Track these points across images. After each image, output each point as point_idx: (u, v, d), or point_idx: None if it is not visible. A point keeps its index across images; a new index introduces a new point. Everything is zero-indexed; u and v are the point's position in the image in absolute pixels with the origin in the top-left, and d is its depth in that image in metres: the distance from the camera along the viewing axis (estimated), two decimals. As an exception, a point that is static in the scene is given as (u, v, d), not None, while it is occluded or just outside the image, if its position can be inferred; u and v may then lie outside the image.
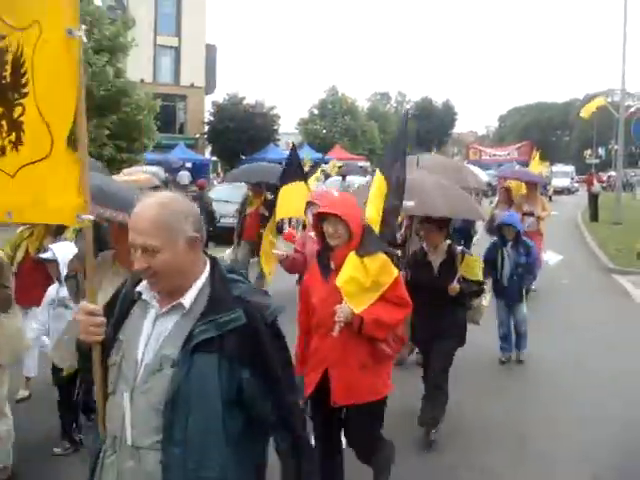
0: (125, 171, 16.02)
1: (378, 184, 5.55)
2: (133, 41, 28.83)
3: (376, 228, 5.17)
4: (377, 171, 5.76)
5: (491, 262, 8.66)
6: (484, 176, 15.33)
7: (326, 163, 45.01)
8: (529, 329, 9.32)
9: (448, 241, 6.53)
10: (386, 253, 4.67)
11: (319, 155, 45.84)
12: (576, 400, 7.44)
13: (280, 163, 48.68)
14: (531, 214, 13.15)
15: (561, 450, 6.11)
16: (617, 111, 30.05)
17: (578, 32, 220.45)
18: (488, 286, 7.64)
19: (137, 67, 33.33)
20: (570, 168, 63.73)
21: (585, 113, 34.80)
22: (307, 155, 29.14)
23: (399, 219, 8.45)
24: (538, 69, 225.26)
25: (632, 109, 32.58)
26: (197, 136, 51.13)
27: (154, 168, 19.61)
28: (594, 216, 29.56)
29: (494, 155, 56.51)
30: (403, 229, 8.83)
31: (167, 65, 52.11)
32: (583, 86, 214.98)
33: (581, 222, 29.27)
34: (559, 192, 49.07)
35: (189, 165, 39.57)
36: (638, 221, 19.07)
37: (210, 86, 54.27)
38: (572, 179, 59.88)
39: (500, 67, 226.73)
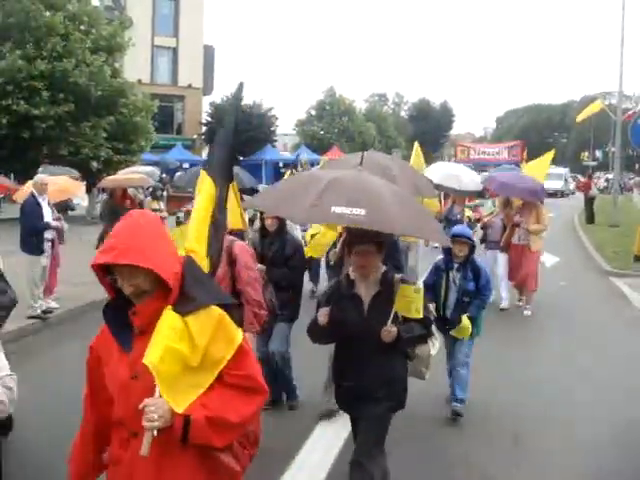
0: (121, 172, 16.08)
1: (205, 193, 3.47)
2: (130, 41, 28.83)
3: (204, 264, 3.20)
4: (202, 172, 3.65)
5: (432, 288, 7.02)
6: (477, 179, 14.20)
7: (313, 165, 45.03)
8: (527, 331, 9.34)
9: (384, 267, 4.75)
10: (224, 306, 3.01)
11: (317, 157, 45.88)
12: (571, 401, 7.42)
13: (277, 164, 48.68)
14: (519, 225, 11.92)
15: (555, 450, 6.09)
16: (614, 113, 30.09)
17: (576, 34, 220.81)
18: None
19: (135, 68, 33.37)
20: (563, 170, 60.98)
21: (580, 118, 34.93)
22: (304, 156, 29.09)
23: (337, 233, 7.52)
24: (535, 70, 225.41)
25: (630, 112, 32.65)
26: (194, 137, 51.13)
27: (148, 168, 19.55)
28: (590, 219, 29.59)
29: (483, 152, 53.78)
30: (339, 246, 7.27)
31: (165, 66, 52.12)
32: (580, 88, 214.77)
33: (578, 224, 29.29)
34: (552, 195, 47.39)
35: (186, 166, 39.55)
36: (635, 224, 19.06)
37: (208, 87, 54.31)
38: (566, 181, 58.31)
39: (497, 69, 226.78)
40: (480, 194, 14.09)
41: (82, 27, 26.83)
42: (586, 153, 74.52)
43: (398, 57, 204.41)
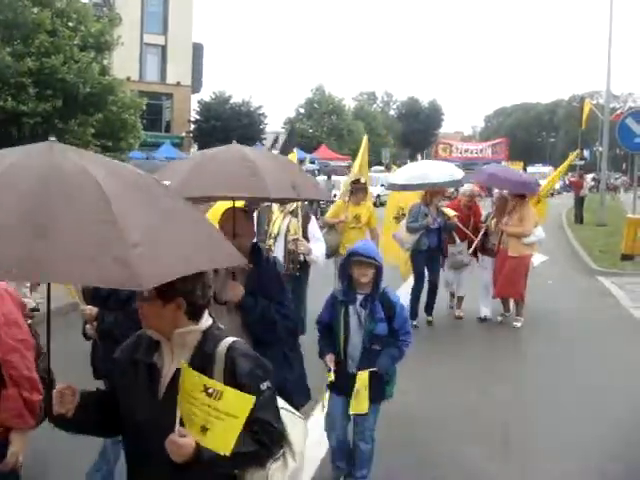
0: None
1: None
2: (119, 39, 28.71)
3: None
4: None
5: (327, 329, 5.23)
6: (452, 171, 11.40)
7: (312, 163, 45.12)
8: (513, 330, 9.38)
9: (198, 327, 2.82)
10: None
11: (311, 156, 45.90)
12: (558, 400, 7.46)
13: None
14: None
15: (543, 450, 6.12)
16: (602, 113, 30.22)
17: (564, 33, 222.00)
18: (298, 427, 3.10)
19: (123, 65, 33.25)
20: (548, 169, 59.14)
21: (584, 124, 35.14)
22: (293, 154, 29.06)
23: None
24: (524, 70, 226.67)
25: (617, 111, 32.80)
26: (183, 135, 51.01)
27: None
28: (579, 218, 29.66)
29: (466, 151, 49.22)
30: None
31: (153, 63, 51.91)
32: (569, 87, 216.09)
33: (566, 224, 29.40)
34: None
35: (175, 164, 39.40)
36: (622, 223, 19.16)
37: (196, 85, 54.16)
38: None
39: (486, 67, 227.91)
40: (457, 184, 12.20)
41: (70, 24, 26.67)
42: (574, 152, 74.84)
43: (387, 55, 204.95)
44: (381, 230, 11.29)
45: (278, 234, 7.72)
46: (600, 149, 45.29)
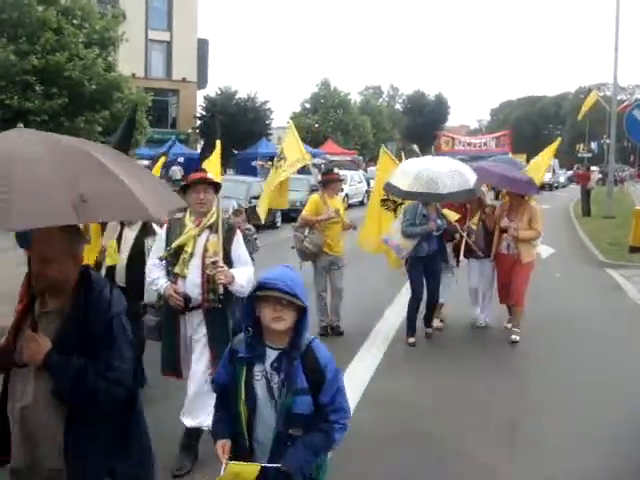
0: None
1: None
2: (123, 35, 28.75)
3: None
4: None
5: (226, 394, 3.53)
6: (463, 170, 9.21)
7: (315, 157, 45.08)
8: (521, 321, 9.36)
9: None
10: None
11: (317, 150, 45.90)
12: (566, 390, 7.44)
13: (272, 158, 48.47)
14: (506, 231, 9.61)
15: (550, 438, 6.11)
16: (609, 105, 30.09)
17: (570, 25, 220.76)
18: None
19: (129, 62, 33.28)
20: (551, 161, 59.21)
21: (581, 114, 34.91)
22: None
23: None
24: (530, 62, 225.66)
25: (624, 103, 32.64)
26: (189, 131, 51.03)
27: (144, 162, 19.41)
28: (587, 211, 29.57)
29: (469, 144, 47.08)
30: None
31: (159, 60, 51.97)
32: (575, 79, 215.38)
33: (573, 216, 29.32)
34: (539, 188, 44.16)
35: (181, 160, 39.47)
36: (630, 215, 19.09)
37: (202, 80, 54.20)
38: (554, 173, 54.96)
39: (492, 60, 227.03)
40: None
41: (75, 21, 26.77)
42: (581, 145, 74.50)
43: (393, 49, 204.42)
44: (363, 215, 10.85)
45: (192, 255, 5.46)
46: (607, 141, 45.16)
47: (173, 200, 3.38)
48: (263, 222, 11.27)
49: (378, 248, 10.23)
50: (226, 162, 45.78)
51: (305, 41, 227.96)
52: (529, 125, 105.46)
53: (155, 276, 5.57)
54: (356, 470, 5.48)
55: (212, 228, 5.54)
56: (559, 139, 12.06)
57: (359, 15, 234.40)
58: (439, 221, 9.01)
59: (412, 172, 8.91)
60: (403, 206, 9.71)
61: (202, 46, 53.42)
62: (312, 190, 12.11)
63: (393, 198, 9.99)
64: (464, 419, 6.66)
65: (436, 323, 9.95)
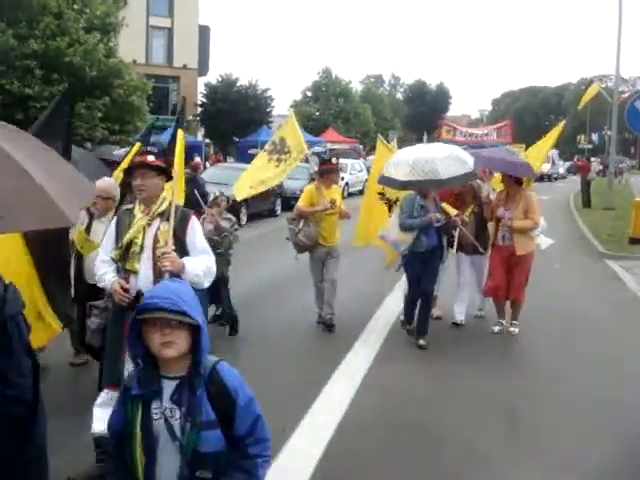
0: (114, 153, 15.91)
1: None
2: (124, 20, 28.65)
3: None
4: None
5: (121, 446, 2.94)
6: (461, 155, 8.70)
7: (315, 145, 44.99)
8: (520, 312, 9.37)
9: None
10: None
11: (318, 139, 45.81)
12: (564, 380, 7.44)
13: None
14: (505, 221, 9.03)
15: (548, 427, 6.13)
16: (611, 96, 30.02)
17: (573, 15, 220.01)
18: None
19: (129, 48, 33.15)
20: (551, 152, 57.86)
21: (581, 105, 34.76)
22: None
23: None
24: (532, 52, 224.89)
25: (626, 94, 32.57)
26: (190, 118, 50.92)
27: (148, 148, 19.26)
28: (587, 202, 29.56)
29: (470, 135, 43.62)
30: None
31: (160, 46, 51.79)
32: (577, 70, 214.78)
33: (573, 207, 29.32)
34: (538, 179, 42.75)
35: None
36: (630, 207, 19.13)
37: (203, 67, 54.04)
38: (553, 163, 54.45)
39: (494, 50, 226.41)
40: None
41: (75, 6, 26.67)
42: (582, 136, 74.37)
43: (394, 38, 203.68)
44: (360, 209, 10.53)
45: (142, 248, 4.92)
46: (609, 133, 45.05)
47: (86, 193, 3.19)
48: (239, 200, 11.13)
49: (367, 240, 10.10)
50: (226, 149, 45.76)
51: (307, 29, 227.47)
52: (530, 115, 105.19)
53: (102, 272, 5.06)
54: (354, 457, 5.51)
55: (163, 216, 5.01)
56: (563, 122, 11.46)
57: (361, 3, 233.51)
58: (438, 215, 8.35)
59: (407, 161, 8.37)
60: (398, 203, 9.15)
61: (203, 33, 53.25)
62: (312, 179, 11.76)
63: (388, 195, 9.73)
64: (464, 407, 6.67)
65: (436, 312, 9.69)
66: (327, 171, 9.32)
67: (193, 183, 17.30)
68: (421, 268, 8.55)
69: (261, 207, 23.02)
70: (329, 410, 6.43)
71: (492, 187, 9.80)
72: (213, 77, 58.10)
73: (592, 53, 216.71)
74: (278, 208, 24.44)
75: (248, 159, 37.30)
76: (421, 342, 8.52)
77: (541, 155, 11.01)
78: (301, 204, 9.22)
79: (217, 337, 8.25)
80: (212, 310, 9.11)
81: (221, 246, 8.35)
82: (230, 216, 8.90)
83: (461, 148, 10.01)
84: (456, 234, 9.04)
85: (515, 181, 9.18)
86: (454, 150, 8.82)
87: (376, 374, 7.45)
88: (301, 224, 9.05)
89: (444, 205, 8.55)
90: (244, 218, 20.98)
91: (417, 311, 8.80)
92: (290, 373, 7.51)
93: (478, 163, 8.84)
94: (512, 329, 9.28)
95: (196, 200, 16.84)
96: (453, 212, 8.51)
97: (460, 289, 9.78)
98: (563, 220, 24.88)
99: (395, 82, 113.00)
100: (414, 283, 8.71)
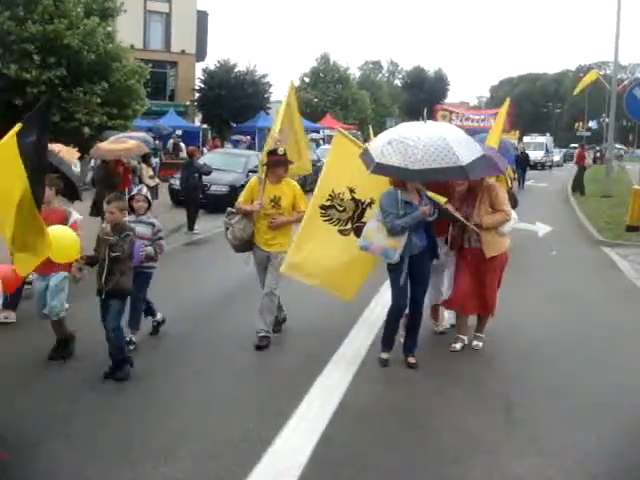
0: (112, 138, 15.85)
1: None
2: (122, 5, 28.49)
3: None
4: None
5: None
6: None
7: (316, 132, 44.90)
8: (514, 299, 9.38)
9: None
10: None
11: (316, 125, 45.73)
12: (561, 369, 7.48)
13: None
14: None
15: (546, 418, 6.16)
16: (609, 84, 29.98)
17: (572, 2, 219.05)
18: None
19: (127, 33, 32.95)
20: (544, 139, 56.21)
21: (577, 90, 34.66)
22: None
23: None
24: (531, 39, 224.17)
25: (625, 82, 32.53)
26: (187, 103, 50.77)
27: (140, 134, 19.15)
28: (581, 189, 29.35)
29: (467, 119, 45.94)
30: None
31: (157, 31, 51.50)
32: (576, 57, 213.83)
33: (571, 195, 29.35)
34: (531, 167, 41.32)
35: (179, 132, 39.32)
36: (627, 194, 19.18)
37: (201, 53, 53.81)
38: (547, 151, 53.74)
39: (493, 37, 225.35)
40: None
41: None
42: (580, 123, 74.31)
43: (392, 24, 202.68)
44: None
45: None
46: (607, 120, 45.04)
47: None
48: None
49: (319, 270, 7.88)
50: (224, 135, 45.65)
51: (305, 15, 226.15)
52: (529, 103, 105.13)
53: None
54: (349, 441, 5.55)
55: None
56: (507, 100, 10.58)
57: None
58: (428, 205, 7.10)
59: (382, 140, 7.08)
60: (375, 204, 7.61)
61: (201, 18, 52.99)
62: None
63: (357, 195, 7.83)
64: (460, 395, 6.71)
65: (441, 326, 8.66)
66: (271, 164, 7.91)
67: (190, 168, 17.38)
68: (412, 274, 7.25)
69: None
70: (327, 396, 6.47)
71: None
72: (211, 63, 57.99)
73: (591, 40, 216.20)
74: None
75: (236, 146, 37.27)
76: (411, 360, 7.39)
77: (495, 139, 9.83)
78: (239, 199, 8.19)
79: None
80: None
81: (119, 249, 6.57)
82: (154, 221, 7.68)
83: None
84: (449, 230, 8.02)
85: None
86: (449, 134, 7.10)
87: (370, 365, 7.45)
88: (235, 219, 8.01)
89: (430, 194, 7.15)
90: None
91: (406, 325, 7.57)
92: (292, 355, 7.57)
93: None
94: (476, 343, 8.12)
95: (194, 184, 17.02)
96: (442, 200, 7.17)
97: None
98: (561, 207, 24.95)
99: (393, 68, 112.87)
100: (401, 294, 7.25)
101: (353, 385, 6.73)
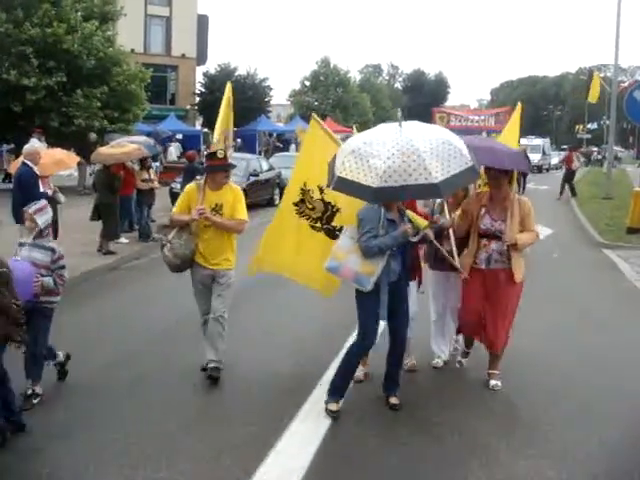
0: (112, 143, 15.87)
1: None
2: (122, 9, 28.56)
3: None
4: None
5: None
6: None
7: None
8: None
9: None
10: None
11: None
12: (562, 370, 7.47)
13: (271, 135, 48.66)
14: (496, 236, 6.66)
15: (545, 418, 6.16)
16: (609, 86, 29.97)
17: (572, 5, 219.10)
18: None
19: (128, 37, 33.02)
20: (541, 141, 54.31)
21: (592, 98, 34.45)
22: (299, 127, 29.12)
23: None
24: (531, 42, 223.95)
25: (625, 84, 32.52)
26: (188, 107, 50.83)
27: (142, 138, 19.21)
28: (573, 191, 28.63)
29: (466, 120, 41.25)
30: None
31: (158, 35, 51.62)
32: (576, 60, 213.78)
33: (571, 197, 29.31)
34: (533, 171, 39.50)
35: (180, 136, 39.36)
36: (628, 196, 19.19)
37: (201, 57, 53.89)
38: (544, 153, 52.36)
39: (493, 40, 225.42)
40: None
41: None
42: (580, 126, 74.23)
43: (393, 27, 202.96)
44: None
45: None
46: (607, 122, 45.01)
47: None
48: None
49: (269, 265, 7.44)
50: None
51: (305, 19, 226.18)
52: (529, 105, 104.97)
53: None
54: (350, 443, 5.56)
55: None
56: (519, 104, 9.30)
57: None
58: (409, 225, 6.06)
59: (347, 149, 5.80)
60: (342, 215, 6.85)
61: (202, 22, 53.07)
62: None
63: (325, 197, 6.99)
64: (464, 397, 6.73)
65: (409, 363, 7.22)
66: (210, 169, 6.97)
67: (190, 172, 17.38)
68: (391, 304, 6.08)
69: (260, 196, 23.09)
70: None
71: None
72: (211, 66, 57.90)
73: (591, 43, 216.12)
74: (277, 197, 24.53)
75: (248, 148, 37.24)
76: (393, 400, 6.33)
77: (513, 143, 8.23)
78: (174, 209, 7.18)
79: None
80: None
81: None
82: (53, 246, 6.28)
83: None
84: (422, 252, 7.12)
85: (504, 178, 6.72)
86: (441, 134, 5.83)
87: (374, 364, 7.45)
88: (172, 234, 6.87)
89: (410, 214, 6.26)
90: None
91: (387, 362, 6.44)
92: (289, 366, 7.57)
93: None
94: (495, 383, 6.90)
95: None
96: (422, 223, 6.21)
97: (436, 321, 7.55)
98: (561, 210, 24.92)
99: (394, 71, 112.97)
100: (370, 328, 6.11)
101: (355, 387, 6.72)
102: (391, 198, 5.75)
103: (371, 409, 6.28)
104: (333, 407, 6.06)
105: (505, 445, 5.63)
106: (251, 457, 5.21)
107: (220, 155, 6.82)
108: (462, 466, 5.25)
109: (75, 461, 5.13)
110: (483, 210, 6.73)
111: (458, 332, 7.39)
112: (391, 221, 5.97)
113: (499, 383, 6.87)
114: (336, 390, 6.14)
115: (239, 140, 39.68)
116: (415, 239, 6.08)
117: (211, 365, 6.86)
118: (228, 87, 8.20)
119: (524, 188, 29.62)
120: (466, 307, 6.92)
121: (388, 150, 5.41)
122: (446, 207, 6.87)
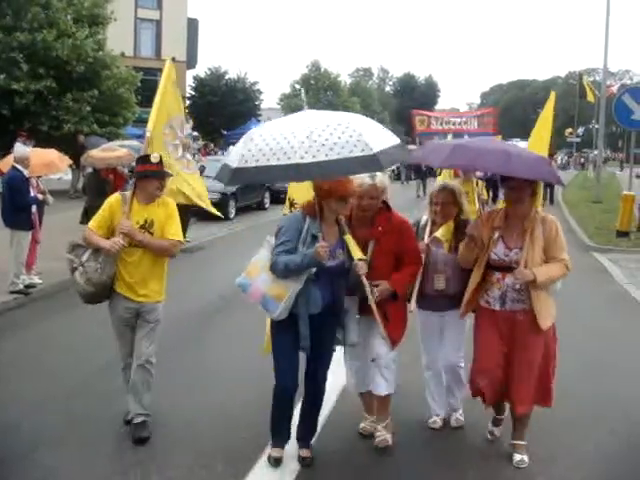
0: (104, 146, 15.80)
1: None
2: (112, 14, 28.49)
3: None
4: None
5: None
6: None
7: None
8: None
9: None
10: None
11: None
12: (557, 374, 7.48)
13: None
14: (512, 268, 5.14)
15: (538, 424, 6.14)
16: (599, 90, 30.12)
17: (561, 9, 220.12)
18: None
19: (118, 41, 32.93)
20: (526, 144, 52.36)
21: (591, 97, 34.67)
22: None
23: None
24: (520, 46, 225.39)
25: (614, 88, 32.69)
26: (178, 111, 50.73)
27: (135, 142, 19.17)
28: (550, 198, 27.31)
29: (447, 122, 36.16)
30: None
31: (148, 39, 51.53)
32: (565, 64, 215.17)
33: (561, 200, 29.42)
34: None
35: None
36: (617, 200, 19.30)
37: (192, 60, 53.85)
38: None
39: (483, 44, 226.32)
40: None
41: (64, -1, 26.46)
42: (569, 130, 74.51)
43: (383, 31, 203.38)
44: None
45: None
46: (596, 126, 45.21)
47: None
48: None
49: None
50: (215, 142, 45.67)
51: (296, 22, 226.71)
52: (519, 109, 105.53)
53: None
54: (344, 447, 5.56)
55: None
56: (553, 93, 8.29)
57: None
58: (339, 249, 5.00)
59: (241, 143, 4.73)
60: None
61: (192, 25, 53.05)
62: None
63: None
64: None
65: (382, 436, 5.49)
66: (141, 175, 5.66)
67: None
68: (312, 340, 5.00)
69: (250, 200, 23.12)
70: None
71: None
72: (202, 70, 57.93)
73: (580, 47, 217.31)
74: (267, 201, 24.65)
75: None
76: (304, 453, 5.32)
77: (544, 145, 7.48)
78: (90, 224, 5.72)
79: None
80: None
81: None
82: None
83: (437, 138, 6.35)
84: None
85: (527, 190, 5.23)
86: (323, 122, 4.51)
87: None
88: (85, 256, 5.58)
89: (348, 238, 4.99)
90: (233, 212, 20.99)
91: (301, 408, 5.49)
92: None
93: (460, 159, 5.23)
94: (519, 457, 5.36)
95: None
96: (357, 253, 4.95)
97: (430, 373, 6.08)
98: (551, 213, 24.87)
99: (384, 75, 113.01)
100: (287, 371, 5.12)
101: (345, 393, 6.70)
102: (249, 180, 5.34)
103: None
104: (275, 454, 5.22)
105: (500, 448, 5.65)
106: (242, 463, 5.21)
107: (154, 160, 5.58)
108: (454, 470, 5.25)
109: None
110: (496, 234, 5.24)
111: (474, 394, 5.52)
112: (316, 237, 4.87)
113: (525, 458, 5.33)
114: (276, 437, 5.28)
115: (231, 147, 39.59)
116: (332, 263, 4.89)
117: (138, 420, 5.66)
118: (167, 65, 7.05)
119: (552, 200, 27.33)
120: (480, 363, 5.35)
121: (308, 127, 4.42)
122: (350, 243, 5.01)
